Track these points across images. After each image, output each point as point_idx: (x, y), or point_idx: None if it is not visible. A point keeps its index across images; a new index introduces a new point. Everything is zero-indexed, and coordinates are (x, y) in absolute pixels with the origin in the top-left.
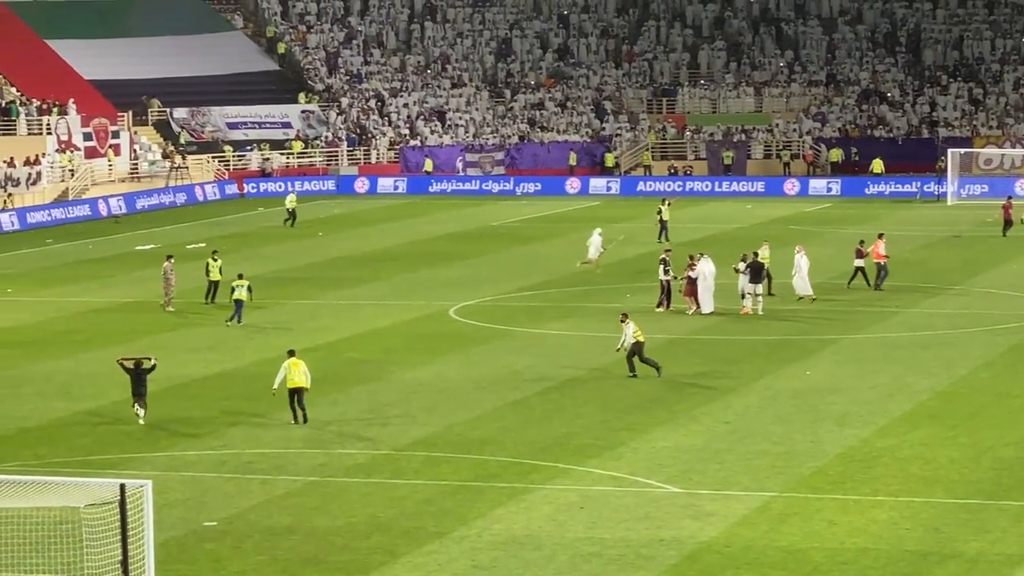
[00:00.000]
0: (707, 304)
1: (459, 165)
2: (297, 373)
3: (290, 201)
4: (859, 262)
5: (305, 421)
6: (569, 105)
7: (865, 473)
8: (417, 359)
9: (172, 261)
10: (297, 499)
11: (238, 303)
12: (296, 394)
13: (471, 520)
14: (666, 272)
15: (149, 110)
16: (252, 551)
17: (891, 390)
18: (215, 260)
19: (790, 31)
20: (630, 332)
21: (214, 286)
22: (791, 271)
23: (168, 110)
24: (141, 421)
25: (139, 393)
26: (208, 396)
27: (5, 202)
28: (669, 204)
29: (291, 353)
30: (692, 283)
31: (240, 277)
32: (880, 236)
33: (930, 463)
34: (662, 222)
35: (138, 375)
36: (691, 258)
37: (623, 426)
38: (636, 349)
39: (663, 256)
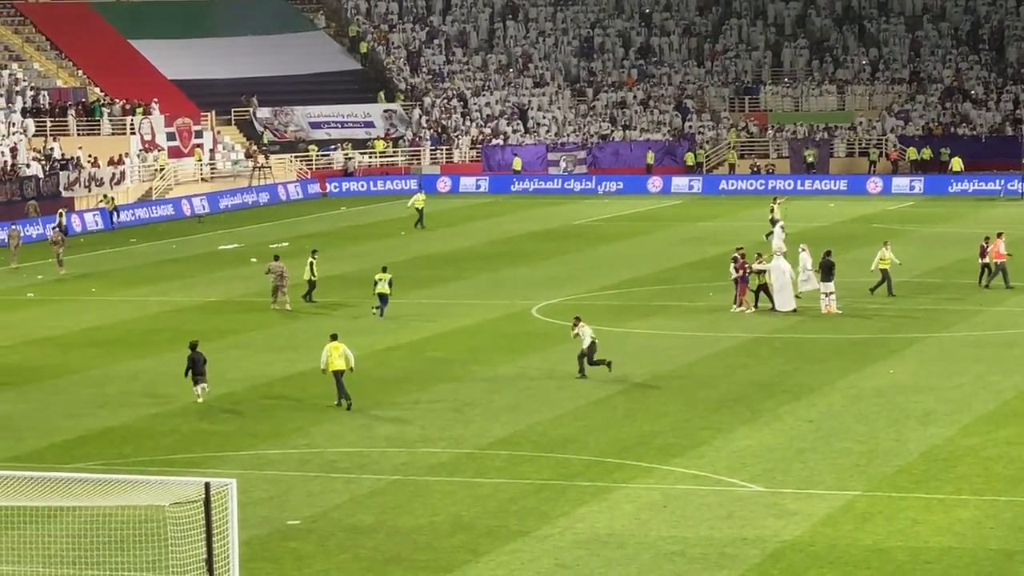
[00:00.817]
0: (786, 303)
1: (564, 164)
2: (337, 356)
3: (418, 200)
4: (984, 260)
5: (349, 407)
6: (651, 104)
7: (949, 472)
8: (499, 358)
9: (280, 260)
10: (380, 498)
11: (382, 297)
12: (337, 376)
13: (554, 519)
14: (736, 270)
15: (249, 108)
16: (335, 549)
17: (975, 388)
18: (314, 258)
19: (873, 29)
20: (587, 333)
21: (311, 285)
22: (798, 269)
23: (251, 110)
24: (200, 399)
25: (200, 372)
26: (291, 395)
27: (105, 199)
28: (779, 203)
29: (333, 337)
30: (744, 282)
31: (384, 271)
32: (999, 235)
33: (1015, 462)
34: (773, 220)
35: (195, 358)
36: (743, 258)
37: (706, 425)
38: (589, 351)
39: (735, 255)
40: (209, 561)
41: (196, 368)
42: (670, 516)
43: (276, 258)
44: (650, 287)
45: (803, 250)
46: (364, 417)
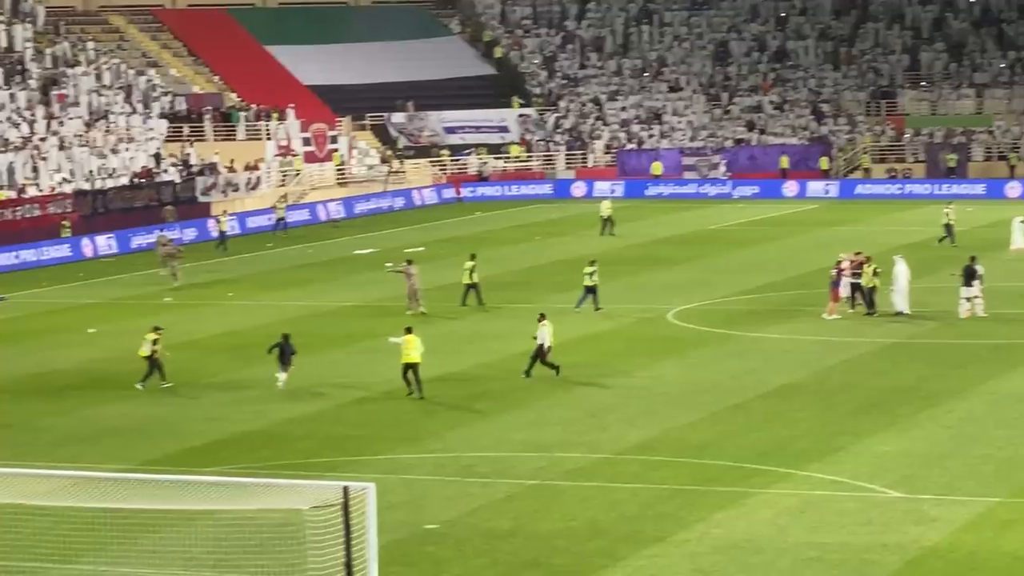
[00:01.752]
0: (903, 304)
1: (722, 168)
2: (413, 349)
3: (605, 208)
4: None
5: (421, 396)
6: (787, 108)
7: None
8: (635, 363)
9: (413, 264)
10: (517, 502)
11: (587, 288)
12: (411, 368)
13: (691, 524)
14: (855, 276)
15: (401, 112)
16: (473, 554)
17: None
18: (474, 262)
19: (1011, 32)
20: (546, 333)
21: (469, 288)
22: (889, 284)
23: (386, 115)
24: (280, 385)
25: (287, 362)
26: (427, 399)
27: (279, 203)
28: (952, 206)
29: (408, 330)
30: (836, 287)
31: (591, 264)
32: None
33: None
34: (948, 225)
35: (285, 347)
36: (839, 262)
37: (844, 430)
38: (542, 351)
39: (860, 259)
40: (348, 565)
41: (283, 356)
42: (808, 522)
43: (409, 262)
44: (786, 292)
45: (899, 261)
46: (499, 422)
